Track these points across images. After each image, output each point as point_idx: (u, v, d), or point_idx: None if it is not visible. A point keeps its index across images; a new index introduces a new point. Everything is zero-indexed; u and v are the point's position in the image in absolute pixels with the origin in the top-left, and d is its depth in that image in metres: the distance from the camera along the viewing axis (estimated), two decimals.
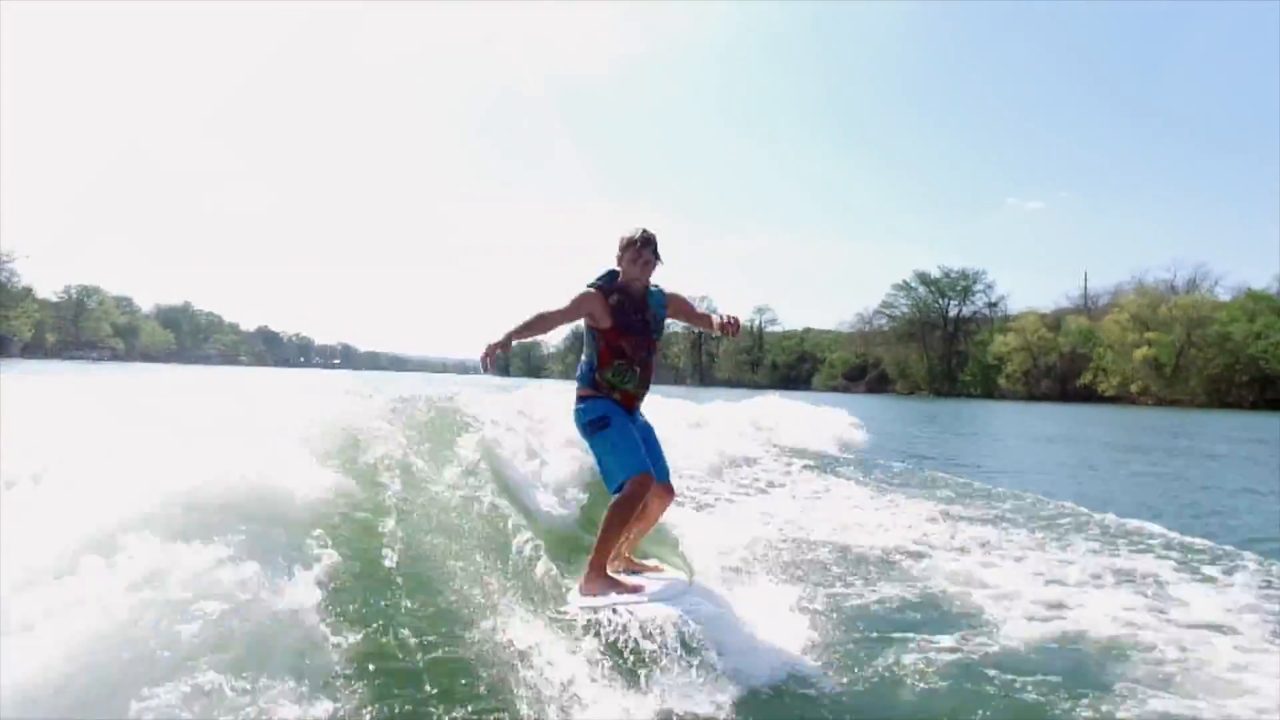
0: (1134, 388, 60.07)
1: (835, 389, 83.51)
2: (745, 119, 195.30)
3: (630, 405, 3.94)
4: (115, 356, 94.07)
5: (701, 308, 4.30)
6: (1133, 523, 6.96)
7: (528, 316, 3.74)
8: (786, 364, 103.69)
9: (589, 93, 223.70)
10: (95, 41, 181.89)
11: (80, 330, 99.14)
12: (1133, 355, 59.04)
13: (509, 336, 3.62)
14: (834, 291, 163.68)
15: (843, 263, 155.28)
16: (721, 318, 3.82)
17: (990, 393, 70.15)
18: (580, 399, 3.88)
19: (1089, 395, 62.68)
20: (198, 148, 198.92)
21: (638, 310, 3.89)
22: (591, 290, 3.85)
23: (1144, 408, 54.94)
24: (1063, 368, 66.75)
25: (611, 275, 3.92)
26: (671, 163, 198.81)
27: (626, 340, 3.84)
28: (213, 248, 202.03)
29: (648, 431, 4.01)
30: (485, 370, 3.56)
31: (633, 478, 3.65)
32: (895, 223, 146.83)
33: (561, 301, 3.81)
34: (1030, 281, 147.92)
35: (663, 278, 3.99)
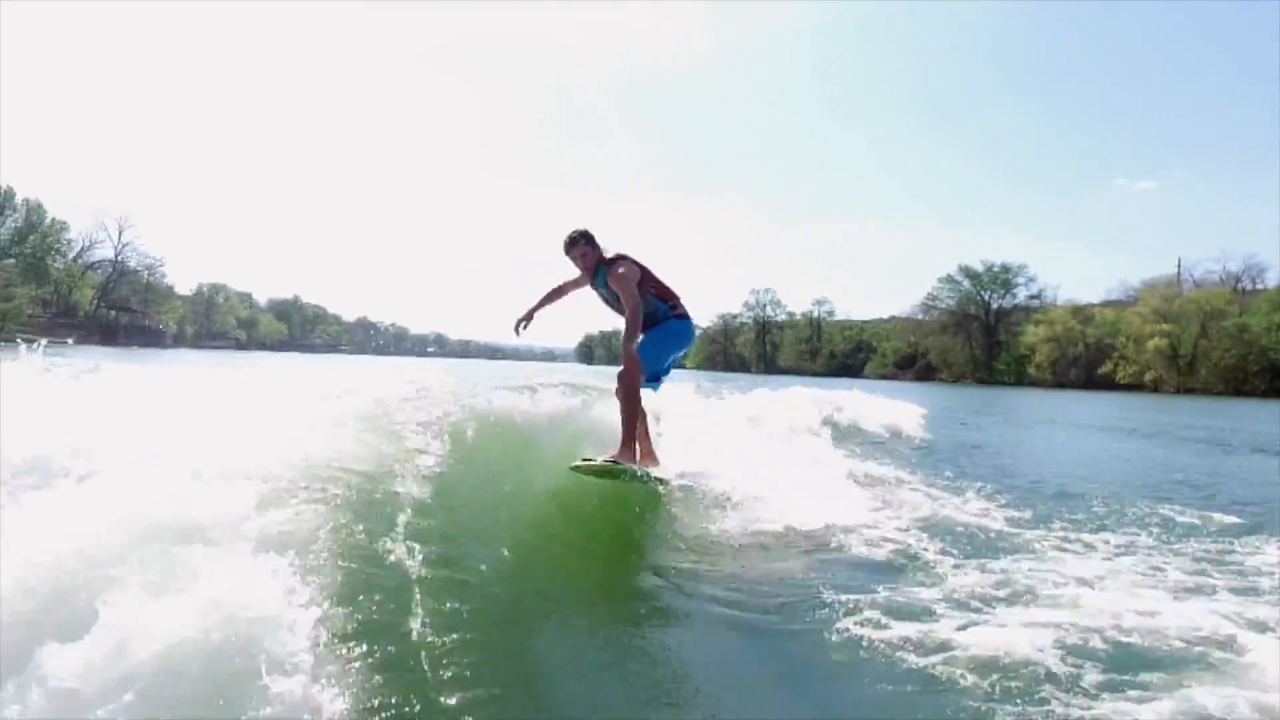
0: (1147, 376, 63.89)
1: (884, 377, 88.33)
2: (836, 106, 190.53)
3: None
4: (240, 346, 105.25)
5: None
6: None
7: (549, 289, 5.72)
8: (844, 353, 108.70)
9: (676, 85, 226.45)
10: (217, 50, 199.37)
11: (211, 323, 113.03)
12: (1147, 346, 62.92)
13: (531, 310, 5.68)
14: (926, 279, 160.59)
15: (937, 249, 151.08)
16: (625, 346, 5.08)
17: (1021, 380, 74.66)
18: None
19: (1110, 384, 66.58)
20: (299, 149, 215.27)
21: (593, 286, 5.48)
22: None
23: (1166, 396, 58.58)
24: (1089, 357, 70.80)
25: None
26: (759, 152, 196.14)
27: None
28: (319, 244, 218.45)
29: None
30: (518, 333, 5.65)
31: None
32: (994, 207, 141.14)
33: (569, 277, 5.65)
34: (1140, 265, 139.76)
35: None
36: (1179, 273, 74.20)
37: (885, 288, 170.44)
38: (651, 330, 5.31)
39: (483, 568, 3.23)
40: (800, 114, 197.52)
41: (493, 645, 2.67)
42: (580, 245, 5.33)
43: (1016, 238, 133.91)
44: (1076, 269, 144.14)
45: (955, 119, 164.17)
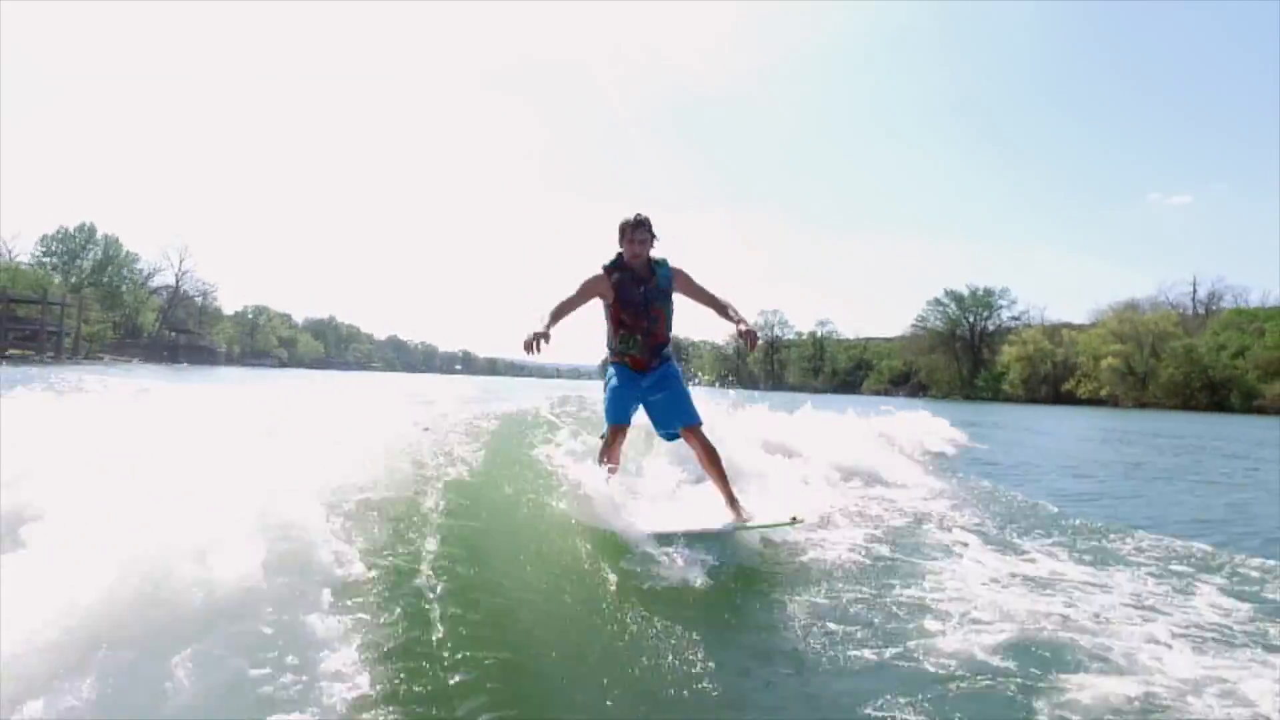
0: (1103, 392, 70.03)
1: (878, 393, 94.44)
2: (868, 123, 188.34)
3: (639, 366, 4.74)
4: (281, 364, 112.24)
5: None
6: None
7: (551, 308, 4.51)
8: (846, 370, 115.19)
9: (709, 103, 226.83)
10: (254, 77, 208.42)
11: (255, 342, 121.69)
12: (1102, 364, 69.23)
13: (546, 327, 4.40)
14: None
15: (965, 263, 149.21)
16: (745, 325, 4.63)
17: (997, 396, 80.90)
18: (606, 362, 4.89)
19: (1074, 399, 72.59)
20: (328, 172, 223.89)
21: (639, 284, 4.65)
22: (599, 272, 4.66)
23: (1125, 410, 64.22)
24: (1057, 374, 77.18)
25: (618, 258, 4.70)
26: (791, 169, 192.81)
27: (626, 313, 4.66)
28: (352, 264, 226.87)
29: (664, 382, 4.76)
30: (530, 354, 4.29)
31: (609, 426, 4.66)
32: (1022, 222, 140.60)
33: (572, 289, 4.61)
34: (1171, 282, 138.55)
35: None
36: (1194, 291, 79.48)
37: (910, 302, 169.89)
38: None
39: (502, 582, 3.36)
40: (828, 130, 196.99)
41: (507, 659, 2.74)
42: (647, 229, 4.70)
43: (1045, 252, 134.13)
44: (1106, 285, 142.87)
45: (984, 132, 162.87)
